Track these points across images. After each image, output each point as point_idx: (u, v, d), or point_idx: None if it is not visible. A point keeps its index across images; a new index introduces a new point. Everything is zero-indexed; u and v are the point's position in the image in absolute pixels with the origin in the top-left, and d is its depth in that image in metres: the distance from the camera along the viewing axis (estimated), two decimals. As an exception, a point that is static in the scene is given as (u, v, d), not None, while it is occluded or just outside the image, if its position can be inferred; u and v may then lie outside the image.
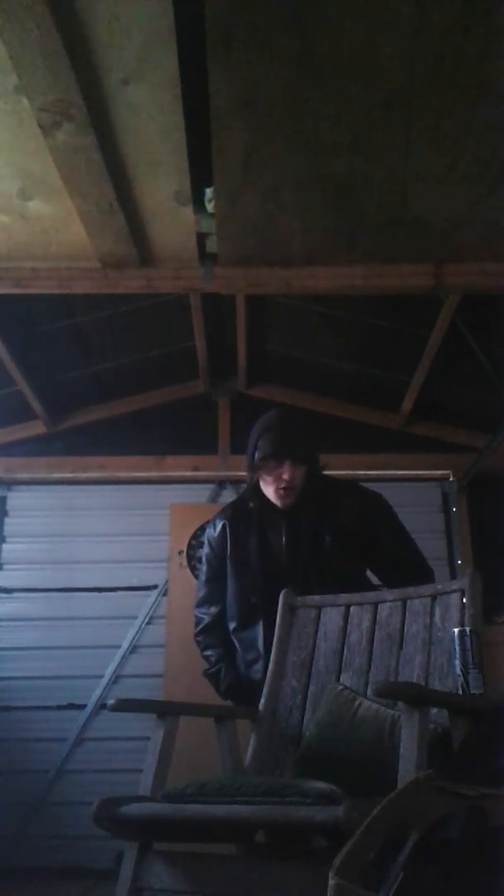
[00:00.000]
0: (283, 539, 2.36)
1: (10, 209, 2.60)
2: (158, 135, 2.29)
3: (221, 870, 1.64)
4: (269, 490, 2.37)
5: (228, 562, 2.41)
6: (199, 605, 2.49)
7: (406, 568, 2.39)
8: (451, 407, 4.54)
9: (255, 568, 2.35)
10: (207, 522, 2.61)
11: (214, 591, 2.44)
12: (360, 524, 2.37)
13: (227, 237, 2.67)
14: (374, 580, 2.48)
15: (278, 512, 2.38)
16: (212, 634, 2.43)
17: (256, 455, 2.36)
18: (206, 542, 2.53)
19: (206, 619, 2.45)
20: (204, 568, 2.51)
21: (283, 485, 2.33)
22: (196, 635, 2.47)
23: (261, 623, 2.31)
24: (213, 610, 2.44)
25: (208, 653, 2.43)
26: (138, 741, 3.05)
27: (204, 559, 2.53)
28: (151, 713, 1.97)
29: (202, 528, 4.45)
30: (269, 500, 2.38)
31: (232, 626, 2.38)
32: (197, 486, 4.67)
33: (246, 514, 2.44)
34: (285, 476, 2.33)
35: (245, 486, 2.53)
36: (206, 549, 2.53)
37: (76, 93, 2.06)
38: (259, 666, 2.29)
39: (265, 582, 2.33)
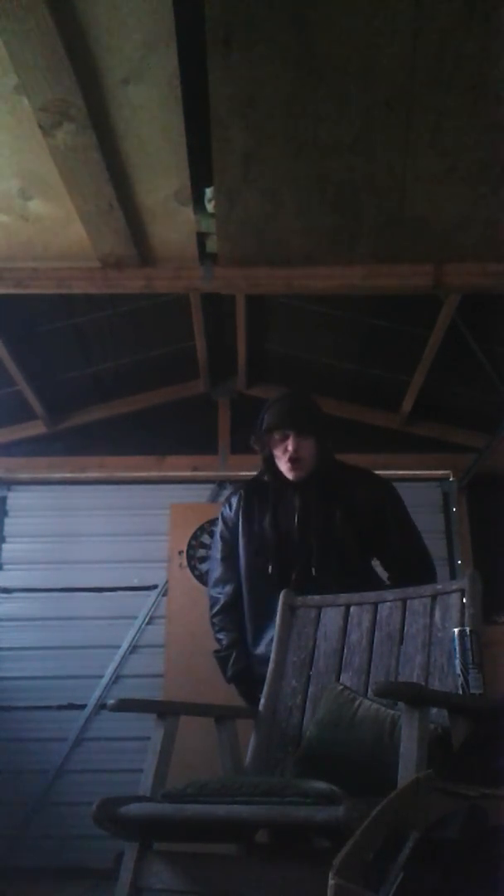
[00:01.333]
0: (296, 513, 2.38)
1: (10, 209, 2.60)
2: (158, 135, 2.29)
3: (221, 870, 1.64)
4: (280, 464, 2.41)
5: (241, 535, 2.43)
6: (215, 584, 2.49)
7: (407, 560, 2.42)
8: (451, 407, 4.54)
9: (268, 538, 2.37)
10: (208, 521, 2.62)
11: (229, 569, 2.45)
12: (369, 509, 2.40)
13: (227, 237, 2.66)
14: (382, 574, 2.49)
15: (292, 487, 2.41)
16: (227, 616, 2.42)
17: (263, 427, 2.41)
18: (220, 519, 2.55)
19: (222, 598, 2.44)
20: (218, 545, 2.52)
21: (290, 456, 2.37)
22: (212, 616, 2.47)
23: (275, 594, 2.30)
24: (229, 589, 2.44)
25: (221, 636, 2.43)
26: (138, 741, 3.05)
27: (218, 536, 2.54)
28: (151, 713, 1.97)
29: (202, 528, 4.46)
30: (282, 474, 2.41)
31: (245, 598, 2.39)
32: (197, 486, 4.67)
33: (261, 488, 2.48)
34: (290, 447, 2.36)
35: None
36: (219, 527, 2.54)
37: (76, 93, 2.06)
38: (270, 638, 2.28)
39: (277, 553, 2.34)
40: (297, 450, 2.37)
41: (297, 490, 2.41)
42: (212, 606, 2.48)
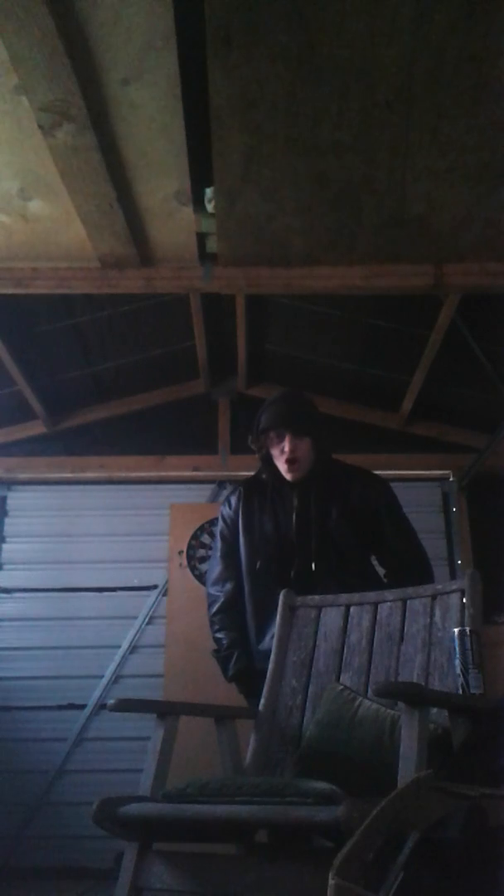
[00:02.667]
0: (294, 511, 2.40)
1: (10, 209, 2.60)
2: (158, 135, 2.29)
3: (221, 870, 1.64)
4: (279, 463, 2.43)
5: (241, 533, 2.44)
6: (214, 582, 2.49)
7: (404, 559, 2.43)
8: (451, 407, 4.54)
9: (268, 536, 2.39)
10: (208, 521, 2.64)
11: (229, 566, 2.46)
12: (365, 507, 2.42)
13: (227, 237, 2.67)
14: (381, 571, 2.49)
15: (290, 485, 2.43)
16: (227, 616, 2.42)
17: (259, 428, 2.43)
18: (220, 518, 2.56)
19: (222, 597, 2.45)
20: (218, 544, 2.53)
21: (286, 456, 2.39)
22: (212, 615, 2.47)
23: (276, 590, 2.31)
24: (229, 587, 2.44)
25: (220, 635, 2.42)
26: (138, 741, 3.05)
27: (218, 535, 2.55)
28: (151, 713, 1.97)
29: (202, 528, 4.46)
30: (279, 474, 2.43)
31: (246, 595, 2.40)
32: (197, 486, 4.67)
33: (259, 486, 2.50)
34: (287, 448, 2.38)
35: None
36: (219, 525, 2.55)
37: (76, 93, 2.07)
38: (273, 633, 2.29)
39: (277, 550, 2.36)
40: (294, 450, 2.39)
41: (294, 489, 2.43)
42: (211, 605, 2.48)
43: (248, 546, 2.43)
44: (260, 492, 2.49)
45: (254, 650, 2.37)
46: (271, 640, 2.28)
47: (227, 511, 2.54)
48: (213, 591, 2.49)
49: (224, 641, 2.41)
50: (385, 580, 2.43)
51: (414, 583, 2.19)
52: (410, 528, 2.49)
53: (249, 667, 2.36)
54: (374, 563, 2.51)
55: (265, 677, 2.21)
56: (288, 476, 2.41)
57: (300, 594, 2.30)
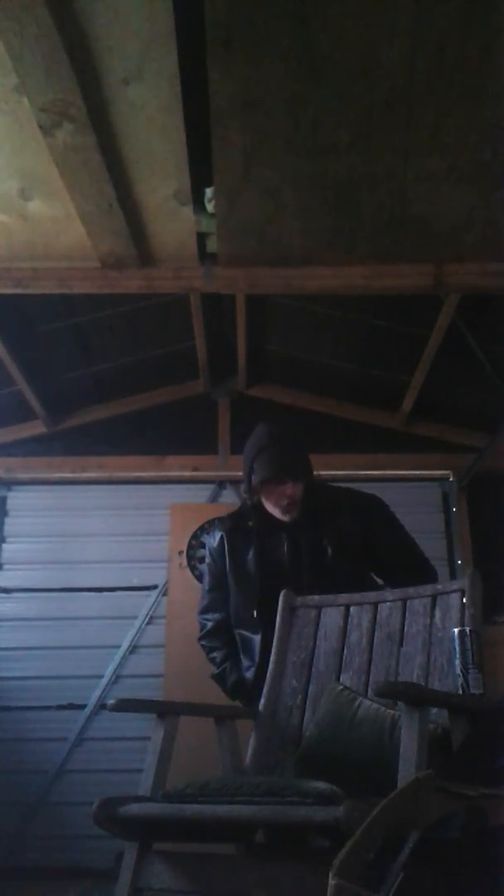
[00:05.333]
0: (286, 551, 2.39)
1: (10, 209, 2.60)
2: (158, 135, 2.29)
3: (221, 870, 1.64)
4: (271, 507, 2.40)
5: (229, 574, 2.43)
6: (203, 612, 2.52)
7: (406, 569, 2.40)
8: (451, 407, 4.54)
9: (253, 580, 2.37)
10: (207, 525, 2.65)
11: (218, 599, 2.47)
12: (358, 528, 2.40)
13: (227, 237, 2.66)
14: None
15: (278, 525, 2.41)
16: (215, 637, 2.45)
17: (254, 478, 2.36)
18: (206, 551, 2.56)
19: (210, 624, 2.47)
20: (206, 578, 2.54)
21: (286, 502, 2.37)
22: (200, 640, 2.50)
23: (259, 634, 2.32)
24: (217, 616, 2.46)
25: (213, 655, 2.45)
26: (138, 741, 3.06)
27: (206, 569, 2.56)
28: (151, 713, 1.97)
29: (202, 528, 4.46)
30: (268, 515, 2.41)
31: (236, 630, 2.41)
32: (197, 487, 4.67)
33: (244, 528, 2.47)
34: (288, 493, 2.36)
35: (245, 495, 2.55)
36: (207, 559, 2.56)
37: (76, 93, 2.06)
38: (252, 672, 2.32)
39: (263, 594, 2.34)
40: (293, 496, 2.37)
41: (283, 528, 2.40)
42: (200, 630, 2.51)
43: (237, 590, 2.41)
44: (244, 534, 2.45)
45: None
46: (251, 676, 2.31)
47: (211, 544, 2.52)
48: (201, 619, 2.51)
49: (218, 659, 2.43)
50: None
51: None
52: (408, 537, 2.47)
53: (243, 677, 2.37)
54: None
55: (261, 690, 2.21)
56: (285, 518, 2.39)
57: None
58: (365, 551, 2.39)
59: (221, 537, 2.48)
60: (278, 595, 2.29)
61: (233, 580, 2.42)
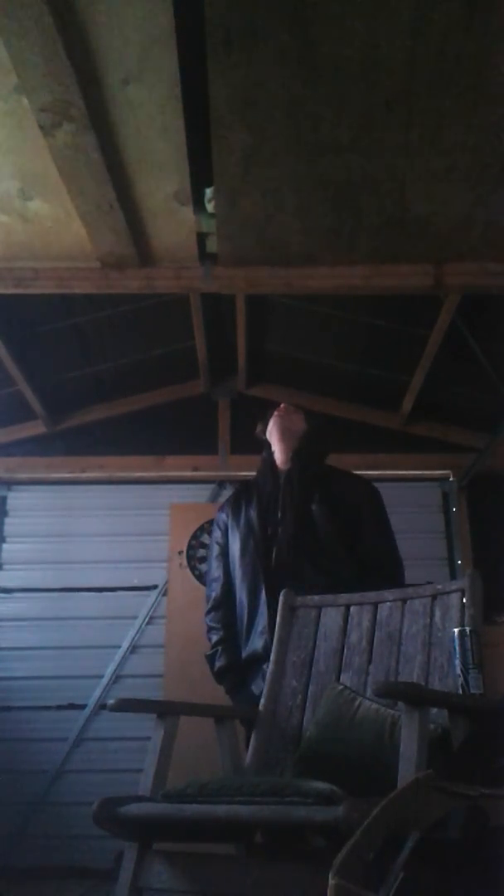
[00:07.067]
0: (279, 506, 2.49)
1: (10, 209, 2.60)
2: (158, 135, 2.29)
3: (221, 870, 1.64)
4: (275, 442, 2.59)
5: (230, 531, 2.57)
6: (209, 582, 2.62)
7: (376, 560, 2.45)
8: (451, 407, 4.54)
9: (251, 526, 2.50)
10: (207, 524, 2.76)
11: (220, 566, 2.58)
12: (347, 503, 2.50)
13: (227, 237, 2.66)
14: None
15: (276, 483, 2.53)
16: (217, 614, 2.52)
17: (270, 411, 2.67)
18: (214, 527, 2.69)
19: (212, 595, 2.56)
20: (214, 547, 2.65)
21: (280, 412, 2.61)
22: (205, 614, 2.58)
23: (263, 586, 2.40)
24: (218, 585, 2.56)
25: (209, 635, 2.53)
26: (138, 741, 3.05)
27: (213, 541, 2.67)
28: (151, 713, 1.97)
29: (202, 528, 4.46)
30: (274, 472, 2.55)
31: (240, 592, 2.47)
32: (197, 486, 4.67)
33: (247, 489, 2.65)
34: (282, 405, 2.64)
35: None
36: (215, 533, 2.67)
37: (76, 93, 2.06)
38: (266, 634, 2.34)
39: (260, 539, 2.46)
40: (286, 408, 2.62)
41: (281, 483, 2.52)
42: (206, 603, 2.59)
43: (235, 540, 2.53)
44: (248, 491, 2.62)
45: (242, 643, 2.43)
46: (259, 635, 2.35)
47: (220, 516, 2.67)
48: (207, 590, 2.62)
49: (212, 639, 2.51)
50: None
51: (383, 583, 2.23)
52: (389, 531, 2.54)
53: (232, 664, 2.43)
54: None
55: (252, 671, 2.30)
56: (280, 448, 2.54)
57: (281, 580, 2.35)
58: (348, 521, 2.47)
59: (228, 501, 2.68)
60: (270, 542, 2.42)
61: (232, 534, 2.56)
